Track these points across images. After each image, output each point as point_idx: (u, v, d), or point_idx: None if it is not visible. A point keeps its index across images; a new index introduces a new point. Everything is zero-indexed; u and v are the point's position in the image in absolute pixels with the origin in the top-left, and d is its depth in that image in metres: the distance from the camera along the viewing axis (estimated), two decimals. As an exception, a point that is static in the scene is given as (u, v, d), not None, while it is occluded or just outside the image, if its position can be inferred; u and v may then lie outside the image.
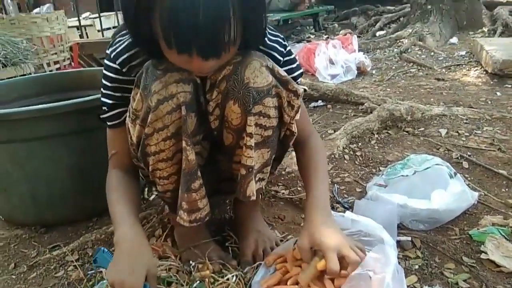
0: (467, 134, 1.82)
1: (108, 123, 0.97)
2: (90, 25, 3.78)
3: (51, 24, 2.63)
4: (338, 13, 6.46)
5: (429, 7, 4.40)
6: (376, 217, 1.09)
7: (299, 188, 1.45)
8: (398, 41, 4.14)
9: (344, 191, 1.42)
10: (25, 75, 2.21)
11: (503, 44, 3.05)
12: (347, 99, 2.39)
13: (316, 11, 5.52)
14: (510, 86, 2.56)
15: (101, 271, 1.01)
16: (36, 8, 5.29)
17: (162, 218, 1.27)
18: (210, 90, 0.87)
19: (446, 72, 3.06)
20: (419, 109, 2.03)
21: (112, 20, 4.10)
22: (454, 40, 4.07)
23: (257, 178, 0.95)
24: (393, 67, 3.34)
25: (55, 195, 1.28)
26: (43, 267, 1.14)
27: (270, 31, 0.95)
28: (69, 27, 3.13)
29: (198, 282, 0.96)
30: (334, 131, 1.92)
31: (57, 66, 2.71)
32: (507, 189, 1.38)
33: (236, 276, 0.98)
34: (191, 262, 1.02)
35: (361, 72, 3.22)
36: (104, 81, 0.93)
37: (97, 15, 3.93)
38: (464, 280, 0.98)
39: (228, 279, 0.97)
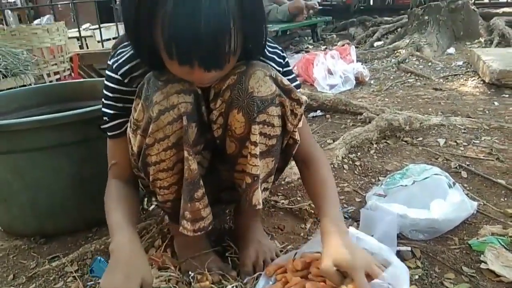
0: (465, 143, 1.83)
1: (109, 134, 0.98)
2: (90, 36, 3.80)
3: (52, 35, 2.65)
4: (336, 24, 6.50)
5: (426, 18, 4.44)
6: (376, 227, 1.09)
7: (298, 198, 1.45)
8: (395, 51, 4.17)
9: (344, 201, 1.42)
10: (25, 85, 2.22)
11: (500, 54, 3.08)
12: (346, 109, 2.40)
13: (314, 22, 5.55)
14: (507, 96, 2.58)
15: (99, 282, 1.00)
16: (36, 19, 5.32)
17: (162, 229, 1.27)
18: (214, 99, 0.88)
19: (444, 82, 3.08)
20: (418, 119, 2.04)
21: (112, 31, 4.12)
22: (451, 50, 4.10)
23: (262, 188, 0.95)
24: (391, 77, 3.36)
25: (55, 205, 1.28)
26: (42, 278, 1.13)
27: (268, 43, 0.96)
28: (69, 38, 3.15)
29: (197, 293, 0.96)
30: (333, 141, 1.93)
31: (57, 76, 2.72)
32: (506, 199, 1.38)
33: (236, 286, 0.98)
34: (190, 273, 1.01)
35: (359, 82, 3.23)
36: (105, 92, 0.94)
37: (97, 26, 3.96)
38: (464, 290, 0.98)
39: (228, 290, 0.96)
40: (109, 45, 3.75)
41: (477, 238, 1.16)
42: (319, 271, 0.89)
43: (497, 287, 0.99)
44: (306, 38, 5.84)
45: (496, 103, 2.45)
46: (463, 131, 1.97)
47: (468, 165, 1.62)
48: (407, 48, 4.08)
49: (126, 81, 0.91)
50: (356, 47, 4.32)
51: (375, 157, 1.78)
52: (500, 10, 4.91)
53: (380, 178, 1.57)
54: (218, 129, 0.91)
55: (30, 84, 2.26)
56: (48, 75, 2.65)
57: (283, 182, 1.53)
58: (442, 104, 2.53)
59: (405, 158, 1.74)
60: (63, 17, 4.76)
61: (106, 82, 0.93)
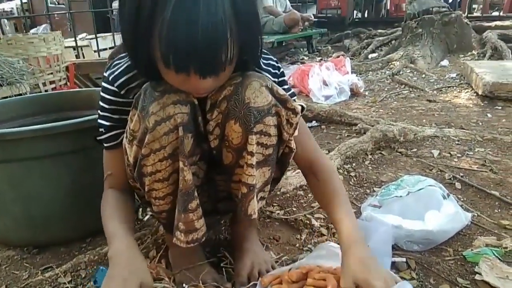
0: (459, 155, 1.84)
1: (105, 145, 0.98)
2: (87, 46, 3.80)
3: (48, 44, 2.65)
4: (331, 36, 6.57)
5: (420, 30, 4.50)
6: (371, 238, 1.10)
7: (294, 209, 1.45)
8: (390, 63, 4.21)
9: (339, 212, 1.42)
10: (20, 94, 2.22)
11: (492, 67, 3.12)
12: (341, 120, 2.41)
13: (309, 33, 5.60)
14: (500, 108, 2.61)
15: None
16: (32, 28, 5.32)
17: (157, 239, 1.26)
18: (210, 110, 0.88)
19: (438, 94, 3.11)
20: (412, 130, 2.06)
21: (108, 41, 4.13)
22: (445, 62, 4.15)
23: (258, 197, 0.96)
24: (386, 89, 3.39)
25: (49, 215, 1.27)
26: (35, 289, 1.12)
27: (263, 54, 0.97)
28: (65, 47, 3.15)
29: (192, 304, 0.95)
30: (328, 152, 1.94)
31: (53, 85, 2.72)
32: (499, 210, 1.39)
33: (231, 298, 0.98)
34: (184, 285, 1.01)
35: (354, 93, 3.26)
36: (101, 104, 0.94)
37: (93, 36, 3.97)
38: (459, 302, 0.98)
39: (222, 302, 0.96)
40: (105, 54, 3.76)
41: (472, 250, 1.16)
42: (315, 282, 0.89)
43: (491, 298, 0.99)
44: (301, 49, 5.88)
45: (489, 115, 2.48)
46: (456, 142, 1.99)
47: (462, 176, 1.63)
48: (401, 60, 4.13)
49: (122, 92, 0.91)
50: (351, 59, 4.36)
51: (370, 168, 1.79)
52: (493, 24, 4.98)
53: (375, 189, 1.58)
54: (215, 140, 0.91)
55: (25, 93, 2.26)
56: (44, 84, 2.64)
57: (278, 193, 1.53)
58: (436, 115, 2.56)
59: (399, 169, 1.75)
60: (59, 26, 4.77)
61: (102, 94, 0.93)
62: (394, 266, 1.11)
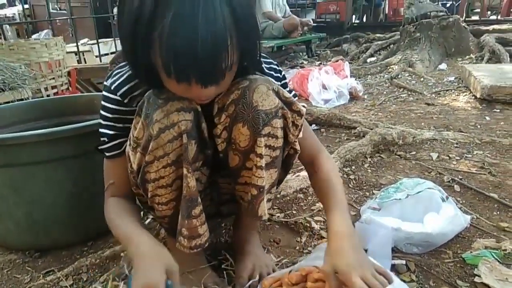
0: (457, 158, 1.85)
1: (107, 154, 0.98)
2: (88, 51, 3.82)
3: (50, 50, 2.66)
4: (330, 40, 6.59)
5: (418, 34, 4.51)
6: (370, 241, 1.10)
7: (294, 212, 1.46)
8: (388, 67, 4.23)
9: (339, 215, 1.43)
10: (22, 99, 2.23)
11: (490, 70, 3.14)
12: (340, 123, 2.43)
13: (308, 38, 5.63)
14: (498, 111, 2.62)
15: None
16: (34, 34, 5.33)
17: (158, 242, 1.27)
18: (218, 113, 0.89)
19: (436, 97, 3.12)
20: (410, 133, 2.07)
21: (109, 46, 4.14)
22: (443, 66, 4.16)
23: (266, 199, 0.97)
24: (384, 92, 3.41)
25: (50, 219, 1.28)
26: (36, 293, 1.13)
27: (263, 59, 0.99)
28: (67, 52, 3.16)
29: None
30: (328, 155, 1.95)
31: (55, 90, 2.73)
32: (498, 212, 1.40)
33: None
34: (186, 288, 1.02)
35: (353, 97, 3.27)
36: (104, 113, 0.94)
37: (95, 41, 3.98)
38: (459, 303, 0.99)
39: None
40: (106, 59, 3.77)
41: (471, 252, 1.17)
42: (313, 285, 0.90)
43: (490, 299, 1.00)
44: (301, 53, 5.91)
45: (487, 118, 2.49)
46: (455, 145, 2.00)
47: (460, 179, 1.64)
48: (400, 64, 4.14)
49: (126, 101, 0.91)
50: (349, 63, 4.38)
51: (369, 170, 1.80)
52: (490, 27, 5.00)
53: (374, 191, 1.59)
54: (222, 143, 0.92)
55: (27, 98, 2.27)
56: (46, 89, 2.65)
57: (278, 196, 1.54)
58: (435, 118, 2.57)
59: (398, 172, 1.76)
60: (61, 32, 4.78)
61: (104, 103, 0.93)
62: (394, 268, 1.11)
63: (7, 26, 5.76)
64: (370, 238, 1.12)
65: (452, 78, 3.60)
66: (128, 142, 0.91)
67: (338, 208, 0.94)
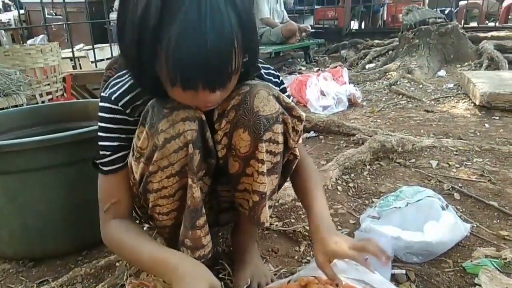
0: (457, 165, 1.84)
1: (110, 168, 0.91)
2: (84, 57, 3.81)
3: (45, 55, 2.65)
4: (328, 46, 6.59)
5: (416, 41, 4.52)
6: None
7: (292, 220, 1.44)
8: (387, 73, 4.22)
9: (338, 223, 1.42)
10: (17, 106, 2.22)
11: (489, 77, 3.14)
12: (339, 130, 2.41)
13: (307, 44, 5.63)
14: (497, 118, 2.62)
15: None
16: (30, 39, 5.33)
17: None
18: (218, 119, 0.89)
19: (435, 104, 3.12)
20: (410, 140, 2.06)
21: (105, 51, 4.14)
22: (442, 73, 4.17)
23: (268, 205, 0.96)
24: (383, 99, 3.40)
25: (45, 228, 1.26)
26: (30, 303, 1.11)
27: (261, 64, 0.98)
28: (62, 58, 3.15)
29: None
30: (327, 162, 1.93)
31: (50, 97, 2.71)
32: (498, 221, 1.39)
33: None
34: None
35: (352, 103, 3.26)
36: (105, 125, 0.89)
37: (90, 46, 3.98)
38: (460, 314, 0.97)
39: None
40: (102, 65, 3.77)
41: (471, 261, 1.16)
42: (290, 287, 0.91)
43: (492, 311, 0.98)
44: (299, 59, 5.91)
45: (487, 125, 2.49)
46: (455, 153, 1.99)
47: (460, 187, 1.63)
48: (398, 70, 4.14)
49: (128, 111, 0.88)
50: (348, 69, 4.37)
51: (369, 178, 1.78)
52: (489, 34, 5.01)
53: (373, 199, 1.57)
54: (222, 149, 0.91)
55: (22, 105, 2.25)
56: (41, 95, 2.64)
57: (276, 204, 1.52)
58: (434, 126, 2.56)
59: (398, 179, 1.75)
60: (56, 37, 4.77)
61: (104, 115, 0.89)
62: (394, 278, 1.10)
63: (2, 32, 5.76)
64: (370, 248, 1.10)
65: (451, 85, 3.60)
66: (131, 153, 0.89)
67: (317, 206, 0.99)
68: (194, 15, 0.66)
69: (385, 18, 7.81)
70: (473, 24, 6.77)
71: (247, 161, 0.90)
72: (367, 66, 4.97)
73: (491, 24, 6.41)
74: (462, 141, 2.13)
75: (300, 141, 1.00)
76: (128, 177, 0.91)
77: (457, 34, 4.51)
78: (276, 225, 1.41)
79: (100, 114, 0.89)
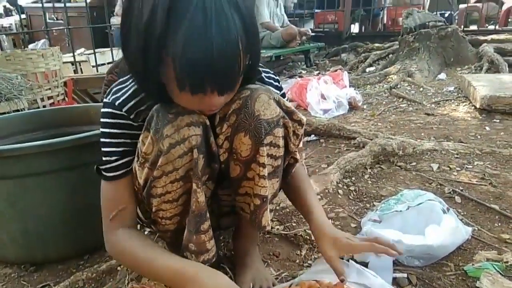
0: (458, 168, 1.84)
1: (114, 174, 0.91)
2: (85, 61, 3.82)
3: (46, 60, 2.66)
4: (329, 50, 6.60)
5: (416, 44, 4.53)
6: (372, 254, 1.09)
7: (293, 224, 1.44)
8: (387, 77, 4.23)
9: (339, 227, 1.42)
10: (18, 110, 2.22)
11: (490, 80, 3.14)
12: (340, 133, 2.42)
13: (307, 48, 5.64)
14: (498, 121, 2.62)
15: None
16: (31, 43, 5.35)
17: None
18: (219, 123, 0.89)
19: (436, 107, 3.12)
20: (410, 144, 2.06)
21: (106, 56, 4.15)
22: (442, 76, 4.17)
23: (269, 209, 0.96)
24: (384, 102, 3.41)
25: (46, 232, 1.26)
26: (31, 308, 1.11)
27: (261, 68, 0.99)
28: (64, 62, 3.16)
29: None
30: (328, 166, 1.94)
31: (51, 101, 2.72)
32: (500, 224, 1.39)
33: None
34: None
35: (352, 107, 3.26)
36: (110, 130, 0.89)
37: (91, 51, 3.99)
38: (462, 318, 0.97)
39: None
40: (103, 69, 3.78)
41: (473, 264, 1.16)
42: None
43: (494, 315, 0.98)
44: (299, 63, 5.92)
45: (487, 128, 2.49)
46: (455, 156, 1.99)
47: (461, 190, 1.62)
48: (399, 73, 4.15)
49: (132, 116, 0.88)
50: (348, 73, 4.38)
51: (370, 182, 1.78)
52: (489, 37, 5.02)
53: (374, 203, 1.57)
54: (224, 153, 0.92)
55: (23, 109, 2.26)
56: (42, 99, 2.64)
57: (277, 208, 1.52)
58: (435, 129, 2.56)
59: (399, 183, 1.75)
60: (58, 42, 4.80)
61: (108, 120, 0.88)
62: (395, 281, 1.10)
63: (4, 36, 5.78)
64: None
65: (451, 88, 3.60)
66: (135, 158, 0.89)
67: (316, 208, 1.04)
68: (200, 19, 0.66)
69: (385, 22, 7.83)
70: (473, 27, 6.78)
71: (248, 165, 0.91)
72: (367, 70, 4.98)
73: (491, 27, 6.43)
74: (462, 144, 2.13)
75: (301, 145, 1.00)
76: (133, 183, 0.91)
77: (457, 37, 4.52)
78: (277, 229, 1.41)
79: (103, 120, 0.89)
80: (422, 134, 2.45)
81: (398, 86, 3.84)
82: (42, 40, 5.02)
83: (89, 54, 4.10)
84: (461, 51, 4.52)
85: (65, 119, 1.60)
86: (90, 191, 1.11)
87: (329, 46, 6.61)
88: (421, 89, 3.71)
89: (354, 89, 3.62)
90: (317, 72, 5.12)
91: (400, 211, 1.28)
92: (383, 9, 7.75)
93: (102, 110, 0.90)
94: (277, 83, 1.02)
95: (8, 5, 8.75)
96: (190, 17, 0.66)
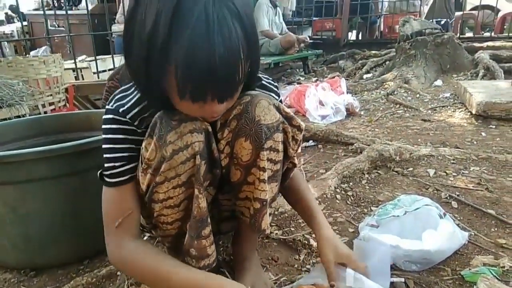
0: (454, 174, 1.85)
1: (118, 180, 0.90)
2: (86, 68, 3.84)
3: (48, 66, 2.68)
4: (327, 57, 6.64)
5: (413, 51, 4.56)
6: (369, 258, 1.10)
7: (292, 229, 1.45)
8: (384, 83, 4.26)
9: (337, 232, 1.43)
10: (19, 116, 2.23)
11: (485, 86, 3.17)
12: (337, 139, 2.43)
13: (305, 55, 5.68)
14: (494, 127, 2.64)
15: None
16: (32, 50, 5.37)
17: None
18: (221, 129, 0.91)
19: (432, 113, 3.14)
20: (407, 149, 2.07)
21: (107, 63, 4.17)
22: (438, 82, 4.20)
23: (268, 212, 0.98)
24: (381, 109, 3.43)
25: (46, 237, 1.27)
26: (32, 313, 1.11)
27: (261, 74, 1.01)
28: (65, 69, 3.18)
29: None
30: (326, 171, 1.95)
31: (52, 107, 2.73)
32: (496, 229, 1.40)
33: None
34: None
35: (350, 113, 3.29)
36: (115, 136, 0.88)
37: (93, 58, 4.01)
38: (459, 322, 0.98)
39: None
40: (104, 76, 3.79)
41: (470, 269, 1.17)
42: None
43: (490, 318, 0.99)
44: (297, 70, 5.95)
45: (483, 134, 2.51)
46: (452, 161, 2.00)
47: (458, 195, 1.64)
48: (395, 80, 4.18)
49: (136, 123, 0.89)
50: (346, 79, 4.41)
51: (367, 187, 1.80)
52: (484, 44, 5.06)
53: (372, 208, 1.59)
54: (225, 158, 0.94)
55: (25, 115, 2.27)
56: (43, 105, 2.66)
57: (276, 213, 1.53)
58: (431, 135, 2.58)
59: (396, 188, 1.76)
60: (59, 48, 4.82)
61: (112, 126, 0.88)
62: (393, 286, 1.11)
63: (6, 43, 5.80)
64: (369, 256, 1.11)
65: (447, 95, 3.63)
66: (139, 164, 0.89)
67: (318, 213, 1.09)
68: (202, 29, 0.67)
69: (382, 29, 7.89)
70: (469, 34, 6.83)
71: (248, 170, 0.92)
72: (364, 76, 5.01)
73: (487, 34, 6.48)
74: (459, 149, 2.15)
75: (299, 150, 1.02)
76: (137, 189, 0.91)
77: (453, 45, 4.56)
78: (276, 233, 1.42)
79: (106, 126, 0.89)
80: (419, 140, 2.47)
81: (395, 92, 3.87)
82: (44, 47, 5.04)
83: (90, 61, 4.11)
84: (457, 58, 4.56)
85: (66, 125, 1.61)
86: (90, 196, 1.12)
87: (327, 53, 6.64)
88: (418, 95, 3.74)
89: (352, 96, 3.64)
90: (315, 78, 5.15)
91: (397, 216, 1.29)
92: (380, 17, 7.80)
93: (105, 116, 0.89)
94: (276, 89, 1.04)
95: (10, 12, 8.79)
96: (193, 26, 0.67)
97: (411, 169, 1.94)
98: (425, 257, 1.17)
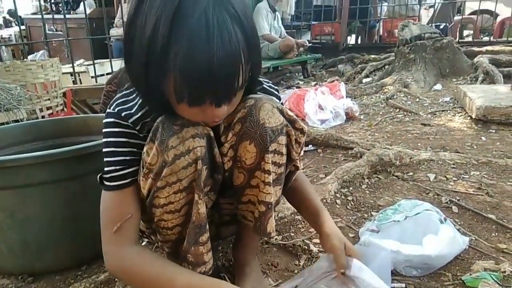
0: (455, 178, 1.85)
1: (121, 182, 0.88)
2: (84, 72, 3.83)
3: (46, 71, 2.67)
4: (326, 61, 6.65)
5: (412, 56, 4.57)
6: (370, 263, 1.09)
7: (292, 234, 1.44)
8: (384, 87, 4.26)
9: (337, 237, 1.42)
10: (17, 120, 2.22)
11: (485, 91, 3.18)
12: (337, 143, 2.43)
13: (304, 59, 5.69)
14: (493, 131, 2.64)
15: None
16: (30, 54, 5.37)
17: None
18: (224, 132, 0.91)
19: (432, 118, 3.15)
20: (407, 154, 2.07)
21: (105, 67, 4.17)
22: (438, 86, 4.21)
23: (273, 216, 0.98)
24: (380, 113, 3.43)
25: (45, 242, 1.26)
26: (29, 319, 1.10)
27: (262, 78, 1.01)
28: (63, 73, 3.17)
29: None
30: (325, 176, 1.94)
31: (50, 112, 2.72)
32: (497, 234, 1.39)
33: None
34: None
35: (349, 117, 3.28)
36: (117, 139, 0.87)
37: (91, 62, 4.01)
38: (460, 328, 0.97)
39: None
40: (102, 80, 3.79)
41: (470, 274, 1.16)
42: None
43: (492, 324, 0.98)
44: (296, 74, 5.96)
45: (483, 138, 2.50)
46: (452, 166, 2.00)
47: (458, 200, 1.63)
48: (395, 84, 4.18)
49: (137, 128, 0.88)
50: (345, 83, 4.41)
51: (367, 192, 1.79)
52: (484, 49, 5.07)
53: (372, 213, 1.58)
54: (229, 162, 0.93)
55: (22, 119, 2.26)
56: (41, 110, 2.65)
57: (276, 218, 1.52)
58: (431, 139, 2.58)
59: (396, 193, 1.76)
60: (57, 52, 4.81)
61: (112, 130, 0.87)
62: (394, 291, 1.10)
63: (3, 47, 5.80)
64: (369, 261, 1.10)
65: (447, 99, 3.63)
66: (140, 169, 0.88)
67: (323, 211, 1.08)
68: (202, 33, 0.67)
69: (381, 33, 7.91)
70: (468, 38, 6.85)
71: (252, 173, 0.92)
72: (364, 81, 5.01)
73: (486, 38, 6.50)
74: (459, 154, 2.15)
75: (302, 153, 1.02)
76: (137, 194, 0.89)
77: (452, 49, 4.57)
78: (276, 239, 1.41)
79: (107, 129, 0.88)
80: (419, 144, 2.47)
81: (395, 96, 3.87)
82: (42, 51, 5.05)
83: (88, 65, 4.11)
84: (457, 62, 4.57)
85: (64, 129, 1.60)
86: (89, 201, 1.11)
87: (326, 57, 6.66)
88: (417, 99, 3.74)
89: (351, 100, 3.64)
90: (315, 83, 5.15)
91: (398, 221, 1.29)
92: (379, 21, 7.82)
93: (106, 120, 0.88)
94: (277, 93, 1.05)
95: (8, 16, 8.82)
96: (193, 30, 0.67)
97: (411, 173, 1.94)
98: (426, 262, 1.17)
